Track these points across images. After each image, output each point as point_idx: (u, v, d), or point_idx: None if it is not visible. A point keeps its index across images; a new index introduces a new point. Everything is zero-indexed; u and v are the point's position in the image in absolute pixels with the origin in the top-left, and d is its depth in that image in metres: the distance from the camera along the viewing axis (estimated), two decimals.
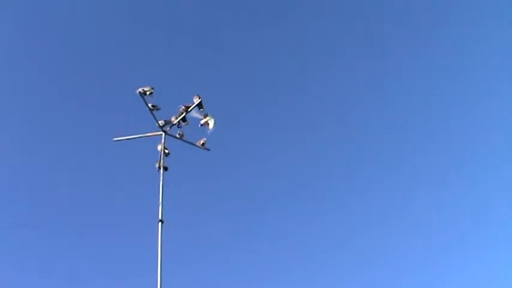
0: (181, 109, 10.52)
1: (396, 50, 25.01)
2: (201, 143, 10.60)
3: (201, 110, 10.49)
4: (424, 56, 24.32)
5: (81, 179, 22.28)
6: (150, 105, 10.38)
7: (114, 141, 10.70)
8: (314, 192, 23.67)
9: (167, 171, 10.21)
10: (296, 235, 22.57)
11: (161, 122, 10.45)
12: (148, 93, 10.29)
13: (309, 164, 24.02)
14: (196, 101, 10.54)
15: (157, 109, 10.49)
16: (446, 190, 22.87)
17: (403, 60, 24.52)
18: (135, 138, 10.66)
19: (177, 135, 10.51)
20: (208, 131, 10.49)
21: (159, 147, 10.42)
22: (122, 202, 21.43)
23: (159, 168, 10.22)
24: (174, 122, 10.50)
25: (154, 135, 10.50)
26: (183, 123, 10.49)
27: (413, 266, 21.16)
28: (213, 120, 10.50)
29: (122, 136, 10.67)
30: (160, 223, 9.39)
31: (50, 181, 22.38)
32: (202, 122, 10.54)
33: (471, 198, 22.42)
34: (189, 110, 10.46)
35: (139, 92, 10.35)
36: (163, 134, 10.44)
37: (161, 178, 10.04)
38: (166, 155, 10.29)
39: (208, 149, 10.64)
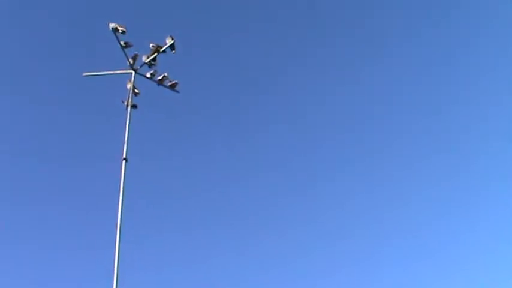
0: (152, 47, 10.42)
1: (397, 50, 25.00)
2: (172, 84, 10.57)
3: (173, 51, 10.42)
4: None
5: (48, 111, 22.14)
6: (122, 42, 10.27)
7: (84, 76, 10.67)
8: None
9: (136, 110, 10.27)
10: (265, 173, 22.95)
11: (131, 60, 10.39)
12: (120, 31, 10.16)
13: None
14: (169, 42, 10.45)
15: (130, 46, 10.37)
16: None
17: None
18: (104, 74, 10.61)
19: (148, 75, 10.48)
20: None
21: (129, 86, 10.40)
22: (87, 137, 21.38)
23: (127, 106, 10.23)
24: (145, 62, 10.43)
25: (124, 73, 10.45)
26: (153, 64, 10.42)
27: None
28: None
29: (92, 72, 10.64)
30: (124, 161, 9.47)
31: (17, 113, 22.13)
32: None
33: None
34: (161, 50, 10.38)
35: (112, 28, 10.21)
36: (134, 72, 10.39)
37: (128, 116, 10.06)
38: (135, 94, 10.28)
39: (178, 91, 10.64)
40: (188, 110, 21.40)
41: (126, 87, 10.38)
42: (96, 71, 10.62)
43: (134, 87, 10.31)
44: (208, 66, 23.88)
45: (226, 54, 24.79)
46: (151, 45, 10.35)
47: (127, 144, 9.66)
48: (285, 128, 23.95)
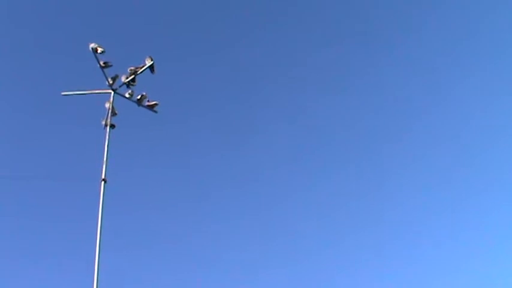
0: (130, 70, 10.50)
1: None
2: (151, 104, 10.66)
3: (153, 73, 10.52)
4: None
5: (26, 130, 21.98)
6: (101, 62, 10.33)
7: (62, 95, 10.70)
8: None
9: (114, 129, 10.31)
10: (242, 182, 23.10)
11: (111, 80, 10.44)
12: (100, 51, 10.23)
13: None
14: (148, 62, 10.54)
15: (109, 66, 10.44)
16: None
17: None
18: (83, 94, 10.66)
19: (127, 95, 10.55)
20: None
21: (107, 105, 10.45)
22: (65, 158, 21.20)
23: (106, 125, 10.28)
24: (124, 82, 10.50)
25: (103, 92, 10.50)
26: (132, 84, 10.50)
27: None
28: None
29: (71, 91, 10.69)
30: (103, 182, 9.49)
31: None
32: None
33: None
34: (140, 72, 10.47)
35: (92, 48, 10.28)
36: (113, 92, 10.45)
37: (107, 136, 10.10)
38: (113, 114, 10.33)
39: (156, 112, 10.73)
40: (167, 129, 21.43)
41: (104, 106, 10.45)
42: (76, 91, 10.66)
43: (113, 107, 10.36)
44: (187, 85, 23.99)
45: (206, 72, 24.93)
46: (129, 69, 10.42)
47: (106, 165, 9.70)
48: (267, 149, 24.13)
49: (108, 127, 10.21)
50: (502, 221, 21.64)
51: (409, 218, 22.48)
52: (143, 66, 10.48)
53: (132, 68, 10.48)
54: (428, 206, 22.41)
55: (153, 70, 10.51)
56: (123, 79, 10.46)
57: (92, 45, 10.29)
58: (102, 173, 9.57)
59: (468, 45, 24.64)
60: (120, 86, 10.49)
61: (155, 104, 10.64)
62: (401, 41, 25.46)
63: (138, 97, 10.62)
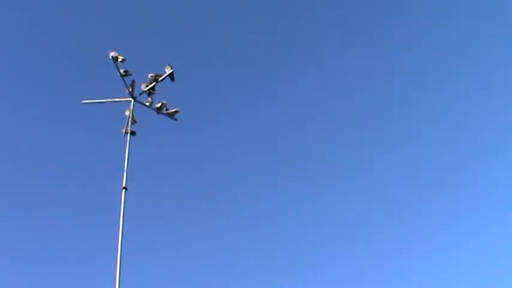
0: (150, 77, 10.54)
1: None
2: (171, 112, 10.67)
3: (173, 81, 10.54)
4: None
5: (47, 139, 22.16)
6: (121, 70, 10.39)
7: (83, 103, 10.76)
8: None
9: (134, 137, 10.33)
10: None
11: (130, 88, 10.48)
12: (120, 59, 10.28)
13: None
14: (168, 71, 10.56)
15: (129, 75, 10.50)
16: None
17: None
18: (103, 102, 10.71)
19: (146, 103, 10.58)
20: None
21: (127, 113, 10.48)
22: (86, 166, 21.31)
23: (126, 133, 10.31)
24: (144, 90, 10.53)
25: (123, 100, 10.55)
26: (152, 92, 10.52)
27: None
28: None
29: (91, 99, 10.75)
30: (124, 190, 9.51)
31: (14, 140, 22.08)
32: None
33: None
34: (160, 79, 10.49)
35: (112, 56, 10.34)
36: (133, 100, 10.48)
37: (127, 144, 10.12)
38: (133, 122, 10.36)
39: (176, 119, 10.74)
40: (187, 137, 21.52)
41: (124, 114, 10.48)
42: (96, 99, 10.71)
43: (133, 116, 10.39)
44: (207, 94, 24.05)
45: (227, 79, 24.97)
46: (149, 75, 10.46)
47: (126, 173, 9.72)
48: (284, 155, 24.08)
49: (128, 135, 10.25)
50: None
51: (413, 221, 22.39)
52: (163, 74, 10.50)
53: (153, 75, 10.50)
54: (434, 210, 22.31)
55: (173, 78, 10.53)
56: (143, 87, 10.49)
57: (112, 53, 10.36)
58: (123, 181, 9.59)
59: (478, 49, 24.44)
60: (140, 94, 10.53)
61: (175, 112, 10.65)
62: (408, 43, 25.30)
63: (158, 105, 10.65)
